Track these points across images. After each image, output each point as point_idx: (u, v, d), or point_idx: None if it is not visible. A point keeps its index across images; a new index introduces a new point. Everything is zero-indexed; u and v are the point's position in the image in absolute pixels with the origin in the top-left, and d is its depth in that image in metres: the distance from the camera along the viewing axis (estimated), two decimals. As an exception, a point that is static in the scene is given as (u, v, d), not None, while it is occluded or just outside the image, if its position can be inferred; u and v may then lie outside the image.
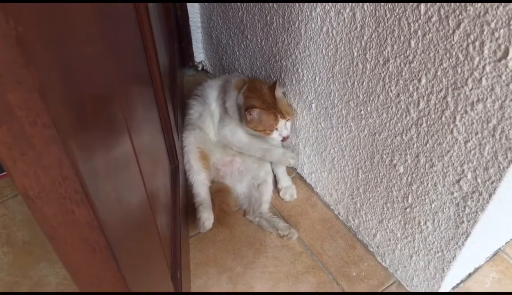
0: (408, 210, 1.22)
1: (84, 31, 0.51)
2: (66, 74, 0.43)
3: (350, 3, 1.09)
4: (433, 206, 1.13)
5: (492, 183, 0.95)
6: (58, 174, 0.39)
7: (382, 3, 1.00)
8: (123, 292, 0.56)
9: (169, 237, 1.20)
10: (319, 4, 1.20)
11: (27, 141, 0.36)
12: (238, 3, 1.65)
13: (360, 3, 1.06)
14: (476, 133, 0.93)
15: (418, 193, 1.16)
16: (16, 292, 1.37)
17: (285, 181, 1.66)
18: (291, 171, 1.74)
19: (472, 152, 0.96)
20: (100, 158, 0.52)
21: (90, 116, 0.50)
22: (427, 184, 1.12)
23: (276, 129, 1.50)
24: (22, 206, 1.56)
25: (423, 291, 1.31)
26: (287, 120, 1.51)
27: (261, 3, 1.49)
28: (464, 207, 1.04)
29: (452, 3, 0.84)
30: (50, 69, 0.37)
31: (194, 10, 2.04)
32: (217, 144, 1.67)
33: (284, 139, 1.54)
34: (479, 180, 0.98)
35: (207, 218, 1.46)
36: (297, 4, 1.29)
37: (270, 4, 1.43)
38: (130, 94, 0.86)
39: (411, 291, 1.36)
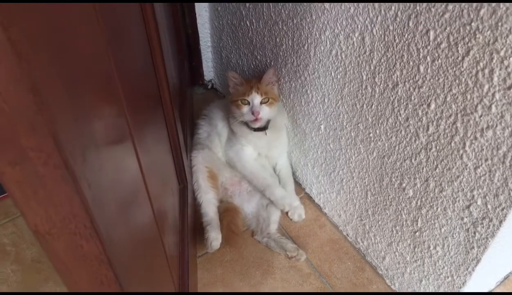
0: (417, 233, 1.21)
1: (96, 71, 0.52)
2: (79, 113, 0.44)
3: (359, 28, 1.10)
4: (443, 230, 1.12)
5: (503, 209, 0.94)
6: (68, 212, 0.39)
7: (391, 28, 1.01)
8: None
9: (177, 257, 1.20)
10: (328, 27, 1.21)
11: (39, 181, 0.36)
12: (248, 24, 1.67)
13: (369, 28, 1.07)
14: (486, 160, 0.92)
15: (427, 217, 1.15)
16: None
17: (293, 201, 1.65)
18: (300, 190, 1.73)
19: (482, 178, 0.95)
20: (109, 191, 0.53)
21: (102, 153, 0.51)
22: (437, 208, 1.11)
23: (248, 103, 1.50)
24: (32, 223, 1.57)
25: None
26: (264, 99, 1.49)
27: (271, 25, 1.51)
28: (474, 233, 1.03)
29: (461, 31, 0.85)
30: (63, 112, 0.38)
31: (204, 30, 2.07)
32: (225, 164, 1.68)
33: (255, 119, 1.49)
34: (489, 206, 0.97)
35: (214, 237, 1.46)
36: (306, 27, 1.30)
37: (280, 26, 1.45)
38: (139, 118, 0.87)
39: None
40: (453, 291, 1.16)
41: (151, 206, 0.83)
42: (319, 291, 1.41)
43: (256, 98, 1.47)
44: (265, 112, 1.50)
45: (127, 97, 0.70)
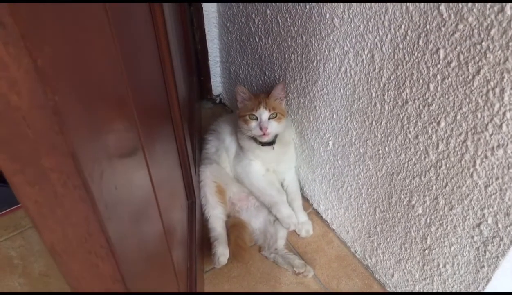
0: (426, 251, 1.20)
1: (112, 89, 0.53)
2: (96, 133, 0.44)
3: (369, 46, 1.10)
4: (452, 248, 1.11)
5: (514, 228, 0.94)
6: (85, 231, 0.40)
7: (401, 46, 1.01)
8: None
9: (185, 272, 1.20)
10: (337, 44, 1.21)
11: (57, 201, 0.37)
12: (257, 40, 1.69)
13: (379, 46, 1.07)
14: (497, 179, 0.92)
15: (437, 235, 1.15)
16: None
17: (301, 217, 1.64)
18: (308, 206, 1.73)
19: (493, 196, 0.95)
20: (123, 207, 0.53)
21: (117, 170, 0.51)
22: (447, 226, 1.10)
23: (256, 118, 1.50)
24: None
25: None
26: (272, 114, 1.49)
27: (280, 42, 1.52)
28: (485, 252, 1.03)
29: (472, 50, 0.85)
30: (82, 132, 0.39)
31: (213, 46, 2.09)
32: (233, 179, 1.68)
33: (263, 133, 1.48)
34: (500, 225, 0.96)
35: (222, 253, 1.46)
36: (315, 44, 1.31)
37: (289, 42, 1.46)
38: (150, 132, 0.88)
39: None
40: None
41: (161, 220, 0.83)
42: (327, 308, 1.40)
43: (264, 114, 1.48)
44: (273, 127, 1.50)
45: (139, 114, 0.71)
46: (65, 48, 0.36)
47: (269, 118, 1.49)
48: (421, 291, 1.28)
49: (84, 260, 0.42)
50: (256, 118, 1.49)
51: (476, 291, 1.09)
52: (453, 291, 1.16)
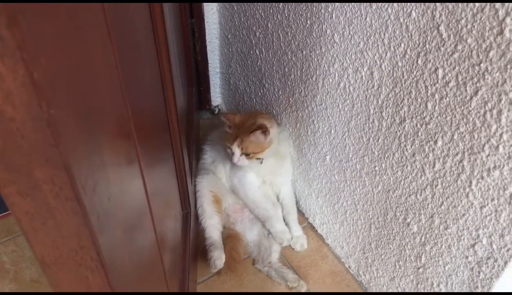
0: (421, 270, 1.20)
1: (109, 101, 0.53)
2: (91, 144, 0.44)
3: (368, 63, 1.11)
4: (446, 268, 1.11)
5: (508, 250, 0.93)
6: (76, 244, 0.39)
7: (400, 65, 1.02)
8: None
9: (177, 283, 1.19)
10: (337, 60, 1.22)
11: (49, 213, 0.36)
12: (257, 52, 1.69)
13: (378, 63, 1.08)
14: (492, 200, 0.92)
15: (431, 254, 1.14)
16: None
17: (296, 230, 1.64)
18: (303, 220, 1.72)
19: (488, 217, 0.95)
20: (115, 219, 0.53)
21: (111, 182, 0.51)
22: (441, 245, 1.10)
23: (230, 149, 1.50)
24: (33, 242, 1.56)
25: None
26: (244, 152, 1.48)
27: (280, 55, 1.52)
28: (479, 272, 1.02)
29: (470, 71, 0.85)
30: (77, 144, 0.39)
31: (214, 57, 2.09)
32: (229, 190, 1.68)
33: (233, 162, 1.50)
34: (494, 246, 0.96)
35: (218, 256, 1.44)
36: (315, 58, 1.32)
37: (289, 56, 1.47)
38: (147, 143, 0.88)
39: None
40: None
41: (154, 231, 0.83)
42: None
43: (236, 150, 1.49)
44: (245, 163, 1.51)
45: (136, 123, 0.70)
46: (62, 60, 0.36)
47: (241, 155, 1.50)
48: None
49: (74, 272, 0.42)
50: (230, 149, 1.51)
51: (469, 312, 1.08)
52: (447, 311, 1.15)
